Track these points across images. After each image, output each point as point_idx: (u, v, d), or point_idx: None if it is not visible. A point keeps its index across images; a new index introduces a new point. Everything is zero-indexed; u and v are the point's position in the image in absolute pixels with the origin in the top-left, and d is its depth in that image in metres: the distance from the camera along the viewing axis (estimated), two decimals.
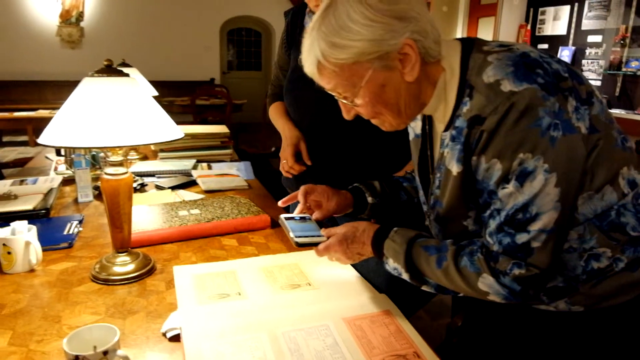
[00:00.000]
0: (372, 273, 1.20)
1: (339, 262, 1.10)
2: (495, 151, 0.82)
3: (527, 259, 0.83)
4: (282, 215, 1.14)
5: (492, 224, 0.86)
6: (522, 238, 0.82)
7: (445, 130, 0.92)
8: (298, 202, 1.19)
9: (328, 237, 1.07)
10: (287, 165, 1.60)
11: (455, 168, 0.90)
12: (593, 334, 0.93)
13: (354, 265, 1.23)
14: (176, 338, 0.93)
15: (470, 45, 0.90)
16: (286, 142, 1.64)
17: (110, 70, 1.09)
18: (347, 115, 0.99)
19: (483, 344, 1.13)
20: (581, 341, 0.94)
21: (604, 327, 0.92)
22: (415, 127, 1.10)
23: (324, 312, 1.01)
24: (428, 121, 1.03)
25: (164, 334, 0.95)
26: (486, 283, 0.85)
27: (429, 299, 1.64)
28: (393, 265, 0.97)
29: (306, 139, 1.61)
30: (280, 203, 1.25)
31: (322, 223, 1.16)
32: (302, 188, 1.20)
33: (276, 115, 1.77)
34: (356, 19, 0.83)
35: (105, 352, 0.76)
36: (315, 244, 1.08)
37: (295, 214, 1.16)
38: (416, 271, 0.94)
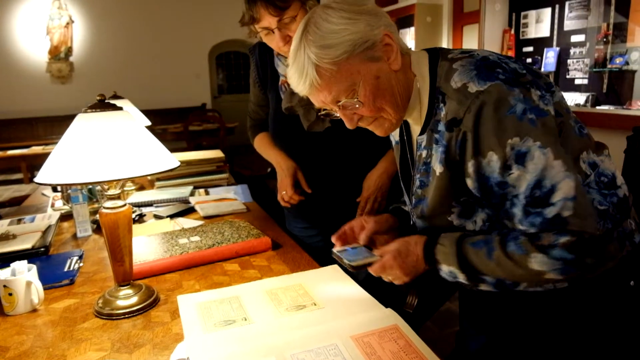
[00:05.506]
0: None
1: (396, 282, 1.06)
2: (486, 145, 0.88)
3: (567, 227, 0.83)
4: (335, 249, 1.14)
5: (517, 211, 0.88)
6: (551, 212, 0.84)
7: (421, 134, 1.01)
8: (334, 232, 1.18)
9: (381, 256, 1.05)
10: (286, 195, 1.61)
11: (438, 168, 0.97)
12: (579, 308, 0.98)
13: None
14: None
15: (436, 54, 1.00)
16: (284, 174, 1.64)
17: (103, 104, 1.09)
18: (350, 125, 1.01)
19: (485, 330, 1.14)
20: (568, 317, 0.99)
21: (588, 300, 0.97)
22: (395, 135, 1.19)
23: (332, 331, 1.00)
24: (405, 128, 1.12)
25: None
26: (538, 261, 0.85)
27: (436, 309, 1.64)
28: (447, 269, 0.97)
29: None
30: (333, 240, 1.18)
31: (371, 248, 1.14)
32: (346, 225, 1.19)
33: (265, 147, 1.77)
34: (337, 22, 0.93)
35: None
36: (370, 264, 1.06)
37: (338, 245, 1.16)
38: (470, 268, 0.94)
